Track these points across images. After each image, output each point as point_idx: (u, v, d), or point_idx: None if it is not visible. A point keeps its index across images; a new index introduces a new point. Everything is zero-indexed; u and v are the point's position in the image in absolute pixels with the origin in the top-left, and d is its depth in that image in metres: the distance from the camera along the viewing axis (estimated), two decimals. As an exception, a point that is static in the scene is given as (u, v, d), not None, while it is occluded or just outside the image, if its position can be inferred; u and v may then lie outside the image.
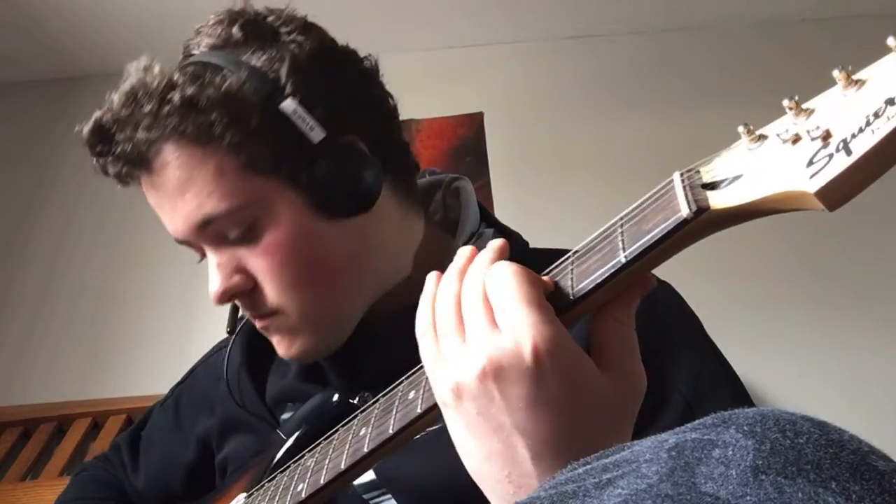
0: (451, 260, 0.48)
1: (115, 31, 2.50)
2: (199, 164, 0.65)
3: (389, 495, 0.68)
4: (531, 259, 0.47)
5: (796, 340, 2.26)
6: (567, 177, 2.49)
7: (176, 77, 0.65)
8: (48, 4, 2.40)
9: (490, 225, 0.80)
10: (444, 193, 0.82)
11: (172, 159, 0.65)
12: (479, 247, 0.47)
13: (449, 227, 0.79)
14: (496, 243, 0.46)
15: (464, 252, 0.48)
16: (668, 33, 2.75)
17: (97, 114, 0.67)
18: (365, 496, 0.69)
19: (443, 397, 0.44)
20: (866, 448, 0.28)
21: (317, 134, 0.66)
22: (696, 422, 0.31)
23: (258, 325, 0.73)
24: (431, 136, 2.61)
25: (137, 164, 0.67)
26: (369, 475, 0.69)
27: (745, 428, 0.29)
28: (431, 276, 0.48)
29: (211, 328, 0.81)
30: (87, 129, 0.68)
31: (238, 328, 0.83)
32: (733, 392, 0.64)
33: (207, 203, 0.65)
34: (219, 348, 0.93)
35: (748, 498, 0.26)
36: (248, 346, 0.84)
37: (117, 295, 2.40)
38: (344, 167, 0.68)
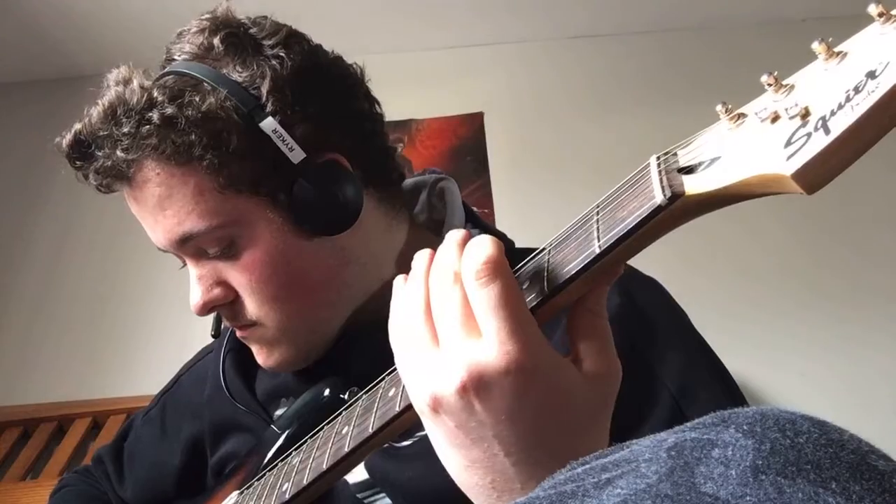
0: None
1: (116, 31, 2.50)
2: (178, 183, 0.65)
3: (384, 494, 0.68)
4: (516, 259, 0.45)
5: (796, 338, 2.25)
6: (567, 176, 2.49)
7: (155, 94, 0.64)
8: (48, 5, 2.40)
9: (476, 225, 0.79)
10: (429, 194, 0.81)
11: (153, 176, 0.65)
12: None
13: (435, 228, 0.78)
14: (455, 235, 0.43)
15: (423, 255, 0.46)
16: (669, 33, 2.75)
17: (76, 127, 0.67)
18: (359, 495, 0.69)
19: (420, 407, 0.42)
20: (866, 448, 0.28)
21: (297, 154, 0.66)
22: (696, 421, 0.31)
23: (238, 334, 0.74)
24: (431, 136, 2.61)
25: (118, 179, 0.67)
26: (363, 474, 0.69)
27: (745, 427, 0.29)
28: (398, 281, 0.47)
29: (210, 328, 0.81)
30: (65, 142, 0.68)
31: (225, 332, 0.83)
32: (722, 387, 0.64)
33: (187, 221, 0.66)
34: (203, 354, 0.93)
35: (748, 498, 0.26)
36: (238, 345, 0.84)
37: (117, 295, 2.39)
38: (324, 187, 0.67)
